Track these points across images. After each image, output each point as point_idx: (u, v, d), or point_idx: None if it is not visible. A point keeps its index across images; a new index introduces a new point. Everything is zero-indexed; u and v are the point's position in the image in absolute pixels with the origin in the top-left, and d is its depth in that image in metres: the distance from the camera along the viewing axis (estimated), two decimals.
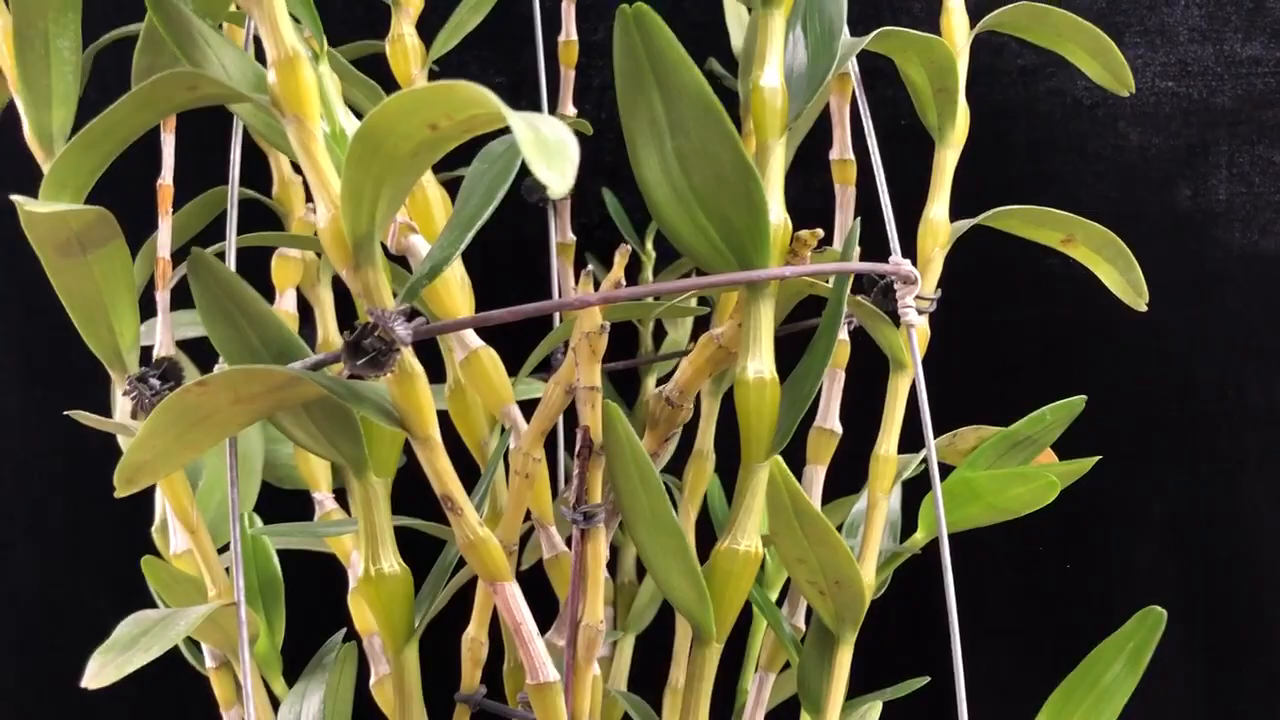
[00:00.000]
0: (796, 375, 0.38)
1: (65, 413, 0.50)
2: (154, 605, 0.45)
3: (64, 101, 0.43)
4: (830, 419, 0.50)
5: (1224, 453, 0.72)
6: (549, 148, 0.26)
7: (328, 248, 0.34)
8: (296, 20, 0.39)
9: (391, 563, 0.38)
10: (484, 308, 0.50)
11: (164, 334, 0.45)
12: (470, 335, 0.46)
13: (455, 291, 0.46)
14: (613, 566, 0.57)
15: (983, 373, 0.70)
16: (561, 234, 0.61)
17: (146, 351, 0.45)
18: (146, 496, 0.49)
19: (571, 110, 0.60)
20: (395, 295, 0.35)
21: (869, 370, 0.48)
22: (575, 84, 0.61)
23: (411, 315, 0.34)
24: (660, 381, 0.60)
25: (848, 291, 0.38)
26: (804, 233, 0.38)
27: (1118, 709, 0.37)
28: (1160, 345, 0.71)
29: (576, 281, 0.47)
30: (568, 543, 0.45)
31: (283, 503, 0.54)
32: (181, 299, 0.44)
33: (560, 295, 0.61)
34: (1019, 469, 0.43)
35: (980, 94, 0.51)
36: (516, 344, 0.50)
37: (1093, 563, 0.71)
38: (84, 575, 0.77)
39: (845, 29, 0.41)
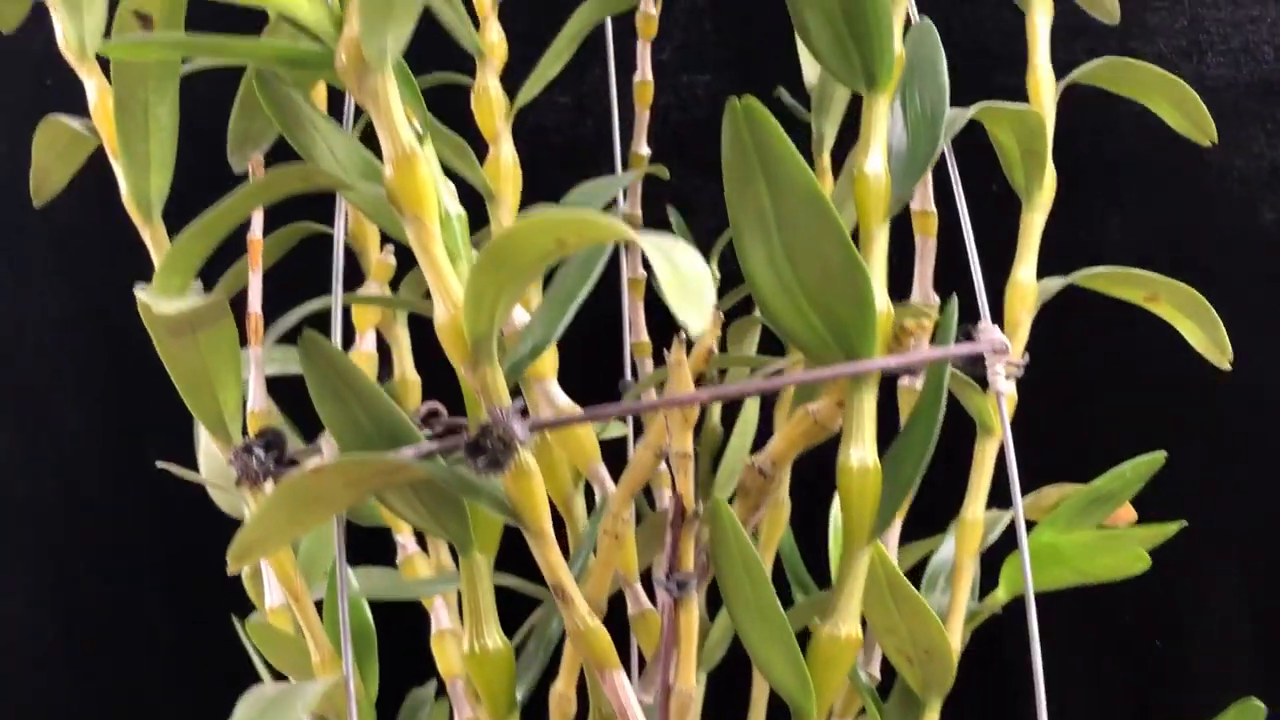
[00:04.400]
0: (895, 456, 0.39)
1: (158, 465, 0.51)
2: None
3: (162, 167, 0.44)
4: None
5: None
6: (688, 288, 0.27)
7: (446, 345, 0.34)
8: None
9: (495, 639, 0.39)
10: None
11: (257, 389, 0.45)
12: (558, 394, 0.46)
13: (545, 355, 0.46)
14: None
15: (1064, 429, 0.70)
16: (633, 269, 0.61)
17: None
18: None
19: (645, 150, 0.60)
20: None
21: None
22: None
23: (524, 413, 0.34)
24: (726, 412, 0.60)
25: (947, 379, 0.38)
26: (909, 322, 0.38)
27: None
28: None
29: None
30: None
31: (359, 538, 0.55)
32: None
33: (630, 331, 0.61)
34: (1105, 533, 0.44)
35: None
36: (589, 365, 0.51)
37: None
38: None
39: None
